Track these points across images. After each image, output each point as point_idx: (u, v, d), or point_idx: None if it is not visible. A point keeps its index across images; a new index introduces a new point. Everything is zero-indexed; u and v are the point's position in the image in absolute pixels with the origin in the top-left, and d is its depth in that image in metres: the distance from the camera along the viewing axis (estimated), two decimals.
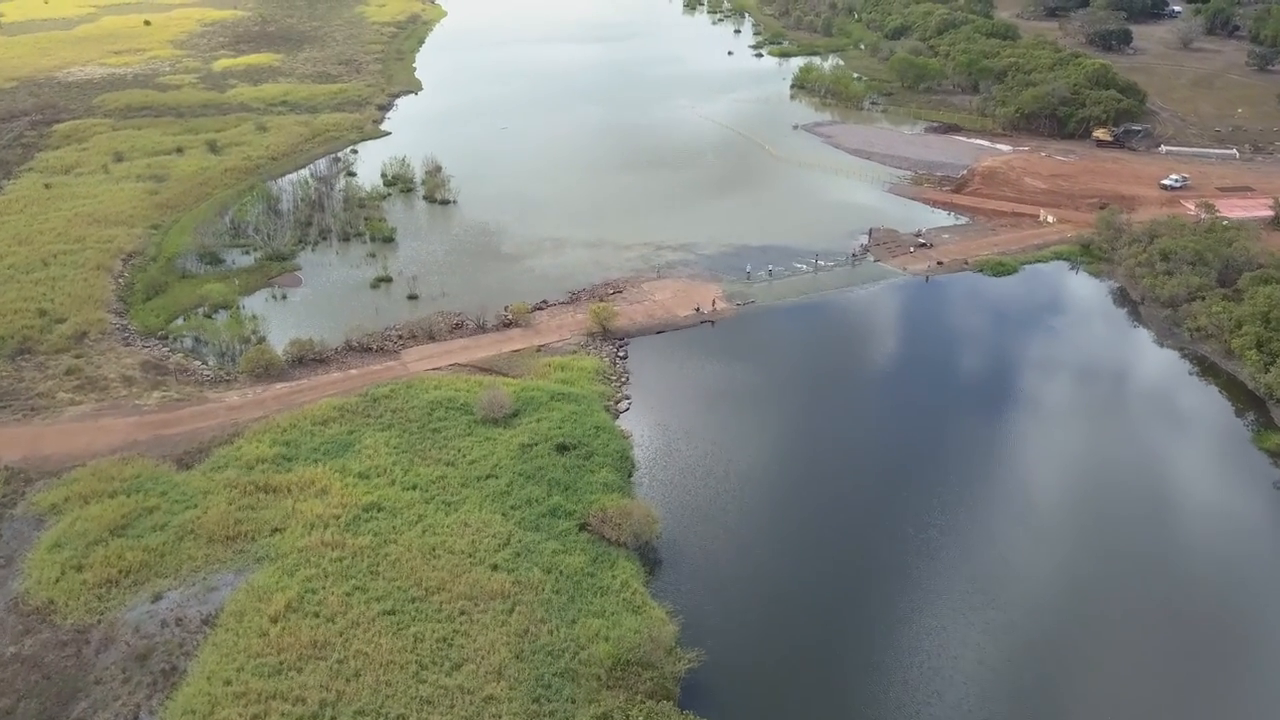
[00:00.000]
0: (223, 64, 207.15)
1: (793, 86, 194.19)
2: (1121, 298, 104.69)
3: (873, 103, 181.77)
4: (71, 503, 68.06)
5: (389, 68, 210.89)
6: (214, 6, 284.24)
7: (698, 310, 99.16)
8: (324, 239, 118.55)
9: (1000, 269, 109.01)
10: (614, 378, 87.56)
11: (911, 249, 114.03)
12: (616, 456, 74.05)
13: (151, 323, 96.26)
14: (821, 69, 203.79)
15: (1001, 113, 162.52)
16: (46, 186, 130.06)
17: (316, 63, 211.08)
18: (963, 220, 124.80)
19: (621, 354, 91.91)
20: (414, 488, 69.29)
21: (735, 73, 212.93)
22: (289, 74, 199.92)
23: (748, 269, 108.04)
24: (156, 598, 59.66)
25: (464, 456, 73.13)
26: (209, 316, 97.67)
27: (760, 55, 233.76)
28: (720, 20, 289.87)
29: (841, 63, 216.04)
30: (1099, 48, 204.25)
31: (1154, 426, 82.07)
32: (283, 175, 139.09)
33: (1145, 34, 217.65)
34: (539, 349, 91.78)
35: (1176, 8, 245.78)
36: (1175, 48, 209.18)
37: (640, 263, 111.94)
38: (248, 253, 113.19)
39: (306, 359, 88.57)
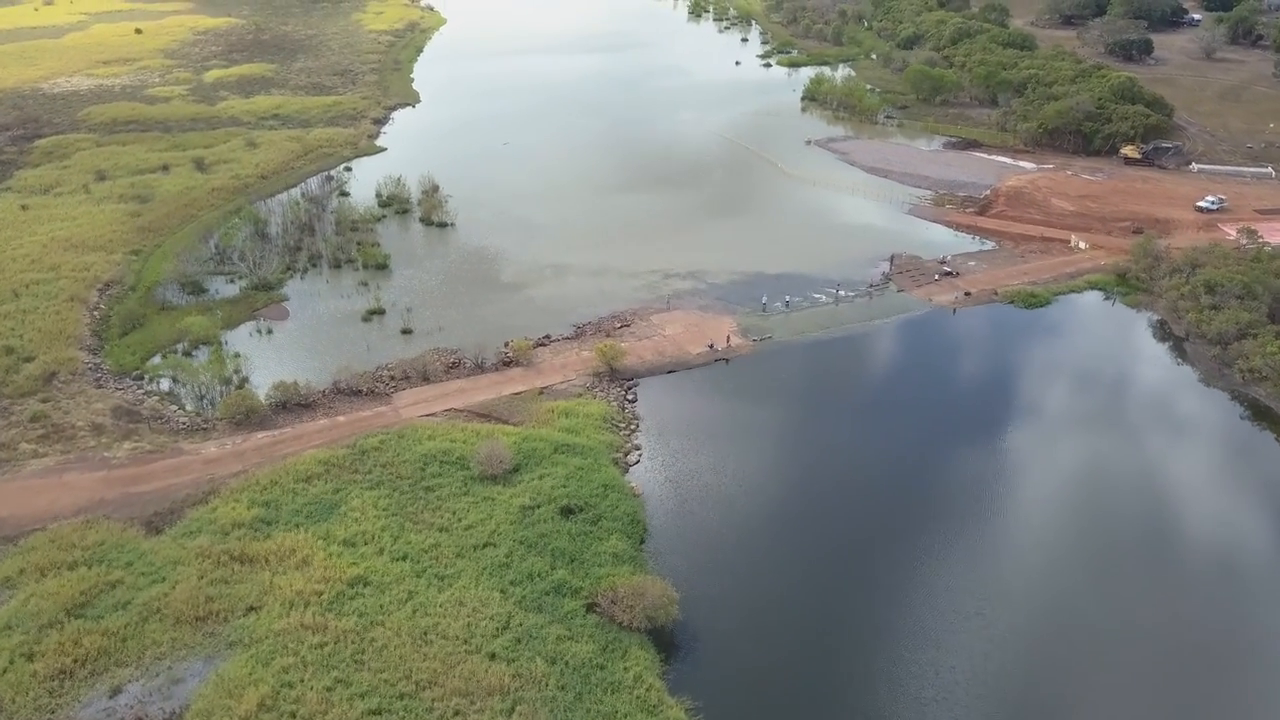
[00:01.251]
0: (214, 75, 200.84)
1: (803, 99, 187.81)
2: (1163, 333, 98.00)
3: (888, 116, 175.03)
4: (27, 575, 61.64)
5: (385, 78, 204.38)
6: (207, 14, 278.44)
7: (711, 347, 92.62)
8: (314, 265, 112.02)
9: (1032, 300, 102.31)
10: (623, 425, 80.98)
11: (936, 277, 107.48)
12: (627, 520, 67.55)
13: (126, 361, 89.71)
14: (833, 80, 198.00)
15: (1023, 128, 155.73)
16: (23, 208, 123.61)
17: (311, 73, 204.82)
18: (989, 245, 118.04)
19: (630, 397, 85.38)
20: (404, 558, 62.83)
21: (743, 83, 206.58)
22: (282, 85, 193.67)
23: (763, 300, 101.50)
24: (115, 692, 53.28)
25: (459, 520, 66.64)
26: (188, 354, 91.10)
27: (769, 65, 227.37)
28: (727, 28, 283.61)
29: (853, 73, 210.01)
30: (1119, 58, 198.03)
31: (1207, 478, 75.39)
32: (272, 195, 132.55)
33: (1165, 43, 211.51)
34: (541, 391, 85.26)
35: (1196, 16, 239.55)
36: (1198, 58, 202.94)
37: (647, 292, 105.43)
38: (232, 281, 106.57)
39: (291, 404, 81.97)
